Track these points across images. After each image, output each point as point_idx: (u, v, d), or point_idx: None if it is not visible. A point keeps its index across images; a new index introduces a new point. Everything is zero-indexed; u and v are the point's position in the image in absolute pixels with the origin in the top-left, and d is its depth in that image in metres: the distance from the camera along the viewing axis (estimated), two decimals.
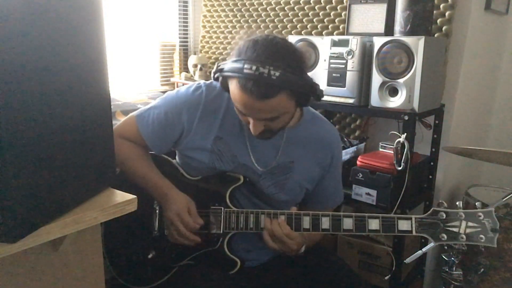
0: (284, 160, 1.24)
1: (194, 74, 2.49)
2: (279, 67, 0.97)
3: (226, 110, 1.22)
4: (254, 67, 0.97)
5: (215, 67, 1.10)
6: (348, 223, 1.12)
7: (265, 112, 1.04)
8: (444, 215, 1.08)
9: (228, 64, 1.04)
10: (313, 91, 1.07)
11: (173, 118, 1.22)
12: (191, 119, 1.21)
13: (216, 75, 1.11)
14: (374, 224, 1.10)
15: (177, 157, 1.34)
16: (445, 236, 1.07)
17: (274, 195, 1.25)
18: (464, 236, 1.06)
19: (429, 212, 1.09)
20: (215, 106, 1.22)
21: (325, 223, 1.12)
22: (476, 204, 1.11)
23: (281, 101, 1.02)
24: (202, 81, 1.27)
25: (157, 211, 1.24)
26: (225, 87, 1.10)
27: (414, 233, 1.08)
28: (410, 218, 1.09)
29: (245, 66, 0.98)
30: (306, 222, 1.13)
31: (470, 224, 1.06)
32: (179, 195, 1.19)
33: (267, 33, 1.11)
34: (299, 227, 1.14)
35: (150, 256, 1.24)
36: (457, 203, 1.11)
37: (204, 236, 1.19)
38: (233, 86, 1.04)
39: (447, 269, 1.41)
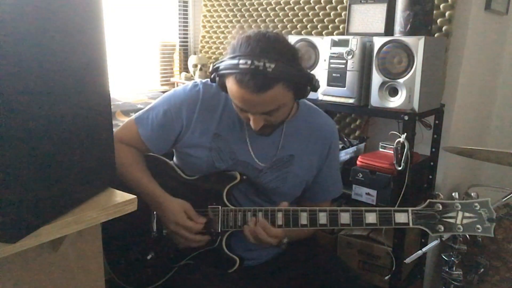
0: (284, 154, 1.25)
1: (194, 74, 2.48)
2: (273, 59, 0.99)
3: (224, 108, 1.23)
4: (249, 61, 0.98)
5: (210, 67, 1.11)
6: (345, 217, 1.12)
7: (263, 105, 1.05)
8: (441, 207, 1.09)
9: (224, 63, 1.05)
10: (309, 81, 1.08)
11: (171, 115, 1.23)
12: (190, 116, 1.22)
13: (212, 75, 1.11)
14: (371, 218, 1.11)
15: (174, 158, 1.34)
16: (442, 227, 1.08)
17: (275, 190, 1.25)
18: (461, 227, 1.07)
19: (425, 204, 1.10)
20: (213, 103, 1.23)
21: (323, 218, 1.13)
22: (472, 194, 1.11)
23: (278, 93, 1.03)
24: (199, 80, 1.28)
25: (155, 212, 1.24)
26: (223, 87, 1.10)
27: (411, 225, 1.09)
28: (407, 211, 1.09)
29: (240, 61, 1.00)
30: (303, 218, 1.14)
31: (466, 214, 1.07)
32: (172, 203, 1.18)
33: (258, 29, 1.13)
34: (296, 223, 1.14)
35: (149, 257, 1.23)
36: (453, 194, 1.11)
37: (202, 235, 1.19)
38: (230, 83, 1.05)
39: (447, 269, 1.41)
